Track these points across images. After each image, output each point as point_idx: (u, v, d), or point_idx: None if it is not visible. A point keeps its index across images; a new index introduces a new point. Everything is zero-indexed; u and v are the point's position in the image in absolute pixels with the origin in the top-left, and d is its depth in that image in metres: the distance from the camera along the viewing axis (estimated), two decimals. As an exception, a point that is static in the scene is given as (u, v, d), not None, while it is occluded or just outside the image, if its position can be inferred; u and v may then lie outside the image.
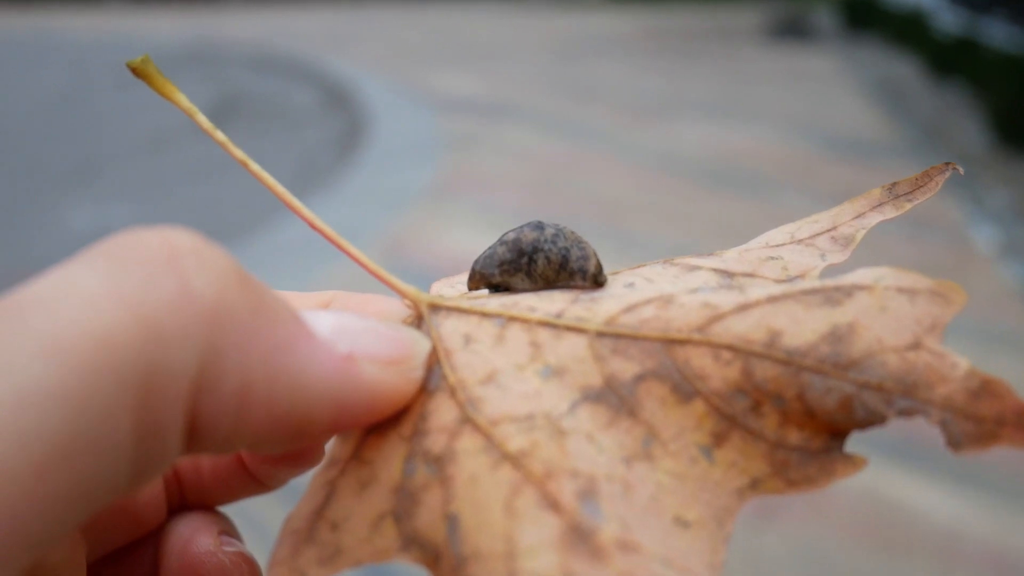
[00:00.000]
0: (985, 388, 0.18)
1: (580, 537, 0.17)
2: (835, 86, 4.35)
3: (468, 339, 0.21)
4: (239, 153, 0.22)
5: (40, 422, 0.14)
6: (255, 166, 0.22)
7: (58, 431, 0.14)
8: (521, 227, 0.23)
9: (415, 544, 0.18)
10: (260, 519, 1.28)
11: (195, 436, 0.16)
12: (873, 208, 0.24)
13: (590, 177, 2.95)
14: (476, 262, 0.23)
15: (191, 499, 0.25)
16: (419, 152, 3.25)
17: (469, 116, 3.70)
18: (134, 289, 0.15)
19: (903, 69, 4.85)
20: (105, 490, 0.15)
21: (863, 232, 0.24)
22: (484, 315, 0.21)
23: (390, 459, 0.19)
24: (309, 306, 0.22)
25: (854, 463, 0.19)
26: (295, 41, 5.40)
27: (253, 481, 0.25)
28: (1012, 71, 3.40)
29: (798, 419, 0.19)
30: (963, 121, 3.76)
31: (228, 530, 0.24)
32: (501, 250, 0.23)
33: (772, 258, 0.23)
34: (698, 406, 0.19)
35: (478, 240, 2.40)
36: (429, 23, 6.21)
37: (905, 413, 0.18)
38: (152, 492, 0.24)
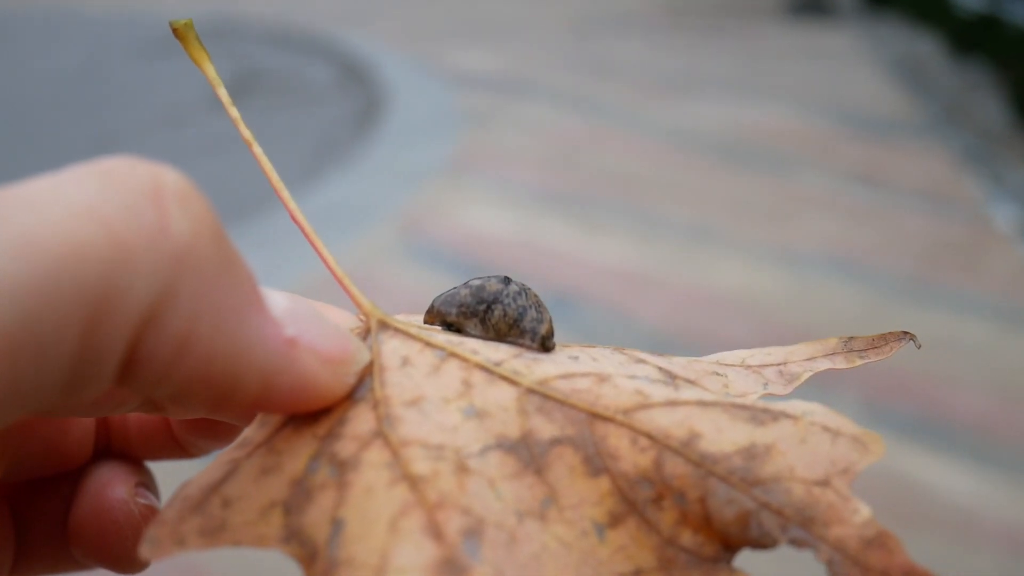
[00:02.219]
0: (878, 539, 0.18)
1: (452, 570, 0.17)
2: (855, 63, 4.32)
3: (405, 361, 0.22)
4: (247, 132, 0.23)
5: None
6: (258, 148, 0.23)
7: (11, 323, 0.14)
8: (489, 277, 0.24)
9: (297, 539, 0.18)
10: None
11: (129, 367, 0.17)
12: (825, 355, 0.25)
13: (607, 153, 2.94)
14: (436, 299, 0.24)
15: (116, 449, 0.25)
16: (436, 128, 3.25)
17: (486, 92, 3.69)
18: (115, 211, 0.16)
19: (923, 46, 4.81)
20: (35, 396, 0.15)
21: (809, 374, 0.24)
22: (428, 344, 0.22)
23: (298, 453, 0.20)
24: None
25: None
26: (312, 17, 5.39)
27: (176, 445, 0.25)
28: (1034, 48, 3.37)
29: (695, 522, 0.19)
30: (984, 99, 3.73)
31: (146, 483, 0.25)
32: (464, 293, 0.24)
33: (717, 374, 0.23)
34: (604, 483, 0.19)
35: (495, 216, 2.40)
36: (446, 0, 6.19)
37: (796, 543, 0.19)
38: (81, 432, 0.25)
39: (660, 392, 0.21)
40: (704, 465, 0.19)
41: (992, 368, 1.70)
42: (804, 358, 0.25)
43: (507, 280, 0.24)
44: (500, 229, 2.32)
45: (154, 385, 0.17)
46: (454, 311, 0.24)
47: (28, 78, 4.47)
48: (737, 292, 1.99)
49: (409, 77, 4.00)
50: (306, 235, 0.23)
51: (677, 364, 0.24)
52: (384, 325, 0.23)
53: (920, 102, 3.65)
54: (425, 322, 0.24)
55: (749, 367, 0.24)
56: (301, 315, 0.19)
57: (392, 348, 0.22)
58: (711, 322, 1.86)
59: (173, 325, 0.17)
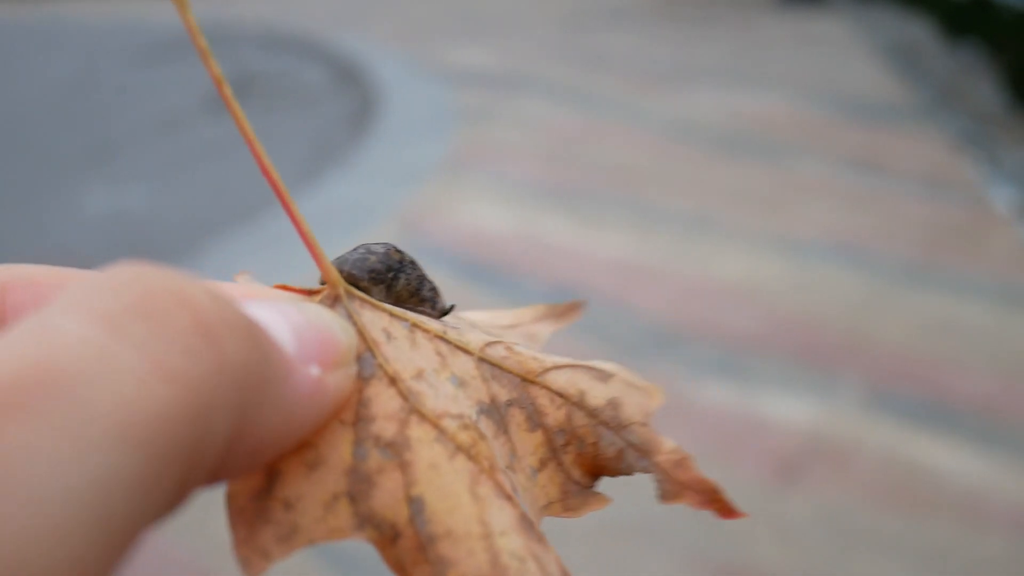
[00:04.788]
0: (681, 461, 0.23)
1: (528, 525, 0.20)
2: (848, 50, 4.31)
3: (388, 335, 0.22)
4: (239, 112, 0.23)
5: (116, 509, 0.14)
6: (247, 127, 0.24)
7: (130, 516, 0.14)
8: (383, 243, 0.24)
9: (370, 524, 0.19)
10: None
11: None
12: (537, 320, 0.28)
13: (604, 146, 2.94)
14: (343, 262, 0.23)
15: None
16: (432, 126, 3.25)
17: (481, 89, 3.69)
18: (178, 363, 0.15)
19: (916, 31, 4.81)
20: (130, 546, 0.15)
21: (548, 336, 0.28)
22: (392, 315, 0.23)
23: (335, 443, 0.20)
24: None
25: (603, 499, 0.23)
26: (305, 20, 5.38)
27: None
28: (1028, 29, 3.37)
29: (585, 460, 0.23)
30: (979, 82, 3.73)
31: None
32: (372, 259, 0.24)
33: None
34: (538, 436, 0.23)
35: (494, 212, 2.40)
36: (437, -3, 6.18)
37: (644, 470, 0.23)
38: None
39: (542, 357, 0.24)
40: (595, 416, 0.23)
41: (995, 350, 1.70)
42: (530, 320, 0.28)
43: (399, 249, 0.24)
44: (499, 225, 2.32)
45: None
46: (366, 276, 0.23)
47: (25, 87, 4.47)
48: (738, 281, 2.00)
49: (404, 76, 4.00)
50: (276, 189, 0.22)
51: (495, 329, 0.26)
52: (350, 295, 0.22)
53: (915, 86, 3.65)
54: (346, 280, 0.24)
55: (512, 327, 0.27)
56: (303, 335, 0.19)
57: (369, 320, 0.22)
58: (713, 312, 1.86)
59: (247, 439, 0.17)
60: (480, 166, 2.79)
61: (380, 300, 0.23)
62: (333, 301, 0.22)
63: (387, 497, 0.19)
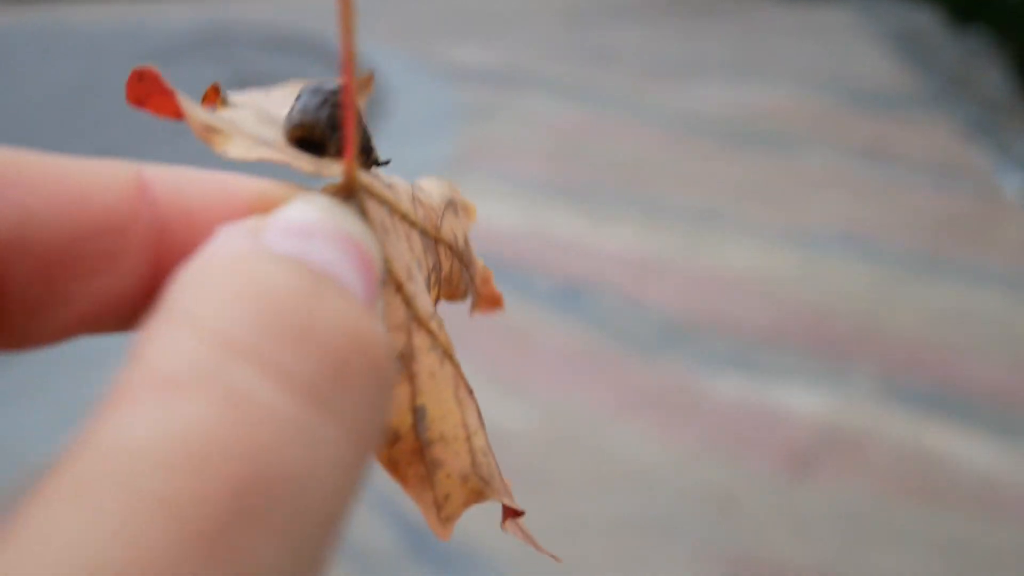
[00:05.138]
0: (487, 276, 0.25)
1: (480, 414, 0.22)
2: (855, 39, 4.29)
3: (385, 228, 0.20)
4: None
5: None
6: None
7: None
8: (325, 79, 0.21)
9: None
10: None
11: None
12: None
13: (610, 142, 2.93)
14: (306, 113, 0.20)
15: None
16: (437, 124, 3.24)
17: (485, 86, 3.68)
18: (371, 432, 0.14)
19: (922, 19, 4.79)
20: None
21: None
22: (381, 201, 0.20)
23: None
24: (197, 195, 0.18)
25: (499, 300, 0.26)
26: (306, 20, 5.39)
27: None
28: (1035, 15, 3.35)
29: (447, 288, 0.24)
30: (986, 69, 3.71)
31: None
32: (325, 117, 0.20)
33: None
34: (435, 289, 0.23)
35: (501, 210, 2.39)
36: (440, -4, 6.19)
37: (466, 291, 0.25)
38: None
39: (422, 197, 0.24)
40: (463, 259, 0.24)
41: (1008, 338, 1.69)
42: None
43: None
44: (506, 222, 2.32)
45: None
46: (332, 134, 0.20)
47: (29, 92, 4.48)
48: (748, 274, 1.98)
49: (407, 75, 3.99)
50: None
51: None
52: (367, 191, 0.20)
53: (922, 75, 3.63)
54: (292, 137, 0.20)
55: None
56: (367, 276, 0.16)
57: (376, 217, 0.20)
58: (723, 305, 1.85)
59: None
60: (486, 164, 2.78)
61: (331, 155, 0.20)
62: (346, 195, 0.19)
63: (395, 407, 0.20)
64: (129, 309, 0.16)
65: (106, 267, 0.16)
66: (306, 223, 0.15)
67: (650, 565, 1.19)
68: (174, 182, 0.17)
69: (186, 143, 3.49)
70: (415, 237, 0.21)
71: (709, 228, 2.24)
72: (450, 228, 0.24)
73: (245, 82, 4.27)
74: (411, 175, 2.72)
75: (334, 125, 0.19)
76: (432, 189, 0.24)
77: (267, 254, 0.14)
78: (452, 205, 0.24)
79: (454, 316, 1.83)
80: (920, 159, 2.65)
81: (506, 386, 1.59)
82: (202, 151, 3.33)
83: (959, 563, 1.18)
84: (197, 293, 0.13)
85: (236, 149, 0.17)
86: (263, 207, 0.17)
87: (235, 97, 0.22)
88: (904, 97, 3.30)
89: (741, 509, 1.28)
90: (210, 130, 0.17)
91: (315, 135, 0.19)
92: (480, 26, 4.97)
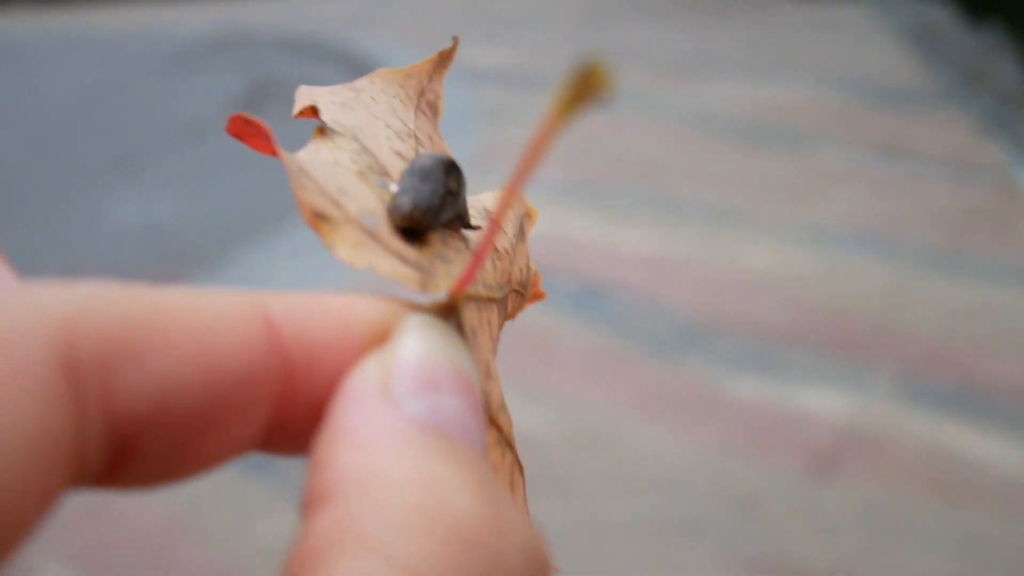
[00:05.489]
0: (535, 280, 0.25)
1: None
2: (868, 35, 4.29)
3: (474, 331, 0.19)
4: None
5: None
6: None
7: None
8: (431, 157, 0.20)
9: None
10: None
11: None
12: (431, 75, 0.26)
13: (627, 141, 2.94)
14: (404, 204, 0.19)
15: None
16: (455, 126, 3.26)
17: (501, 88, 3.70)
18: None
19: (936, 14, 4.77)
20: None
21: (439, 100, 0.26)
22: (478, 299, 0.20)
23: None
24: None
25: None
26: (322, 24, 5.41)
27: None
28: (1050, 8, 3.34)
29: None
30: (1001, 63, 3.70)
31: None
32: (430, 192, 0.20)
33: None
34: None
35: (519, 211, 2.40)
36: (454, -4, 6.19)
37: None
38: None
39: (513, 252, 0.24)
40: (525, 285, 0.24)
41: (1028, 335, 1.70)
42: (427, 75, 0.26)
43: (452, 162, 0.21)
44: (525, 224, 2.33)
45: None
46: (434, 222, 0.20)
47: (50, 96, 4.51)
48: (766, 273, 1.99)
49: (423, 76, 4.00)
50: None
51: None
52: (467, 296, 0.19)
53: (936, 69, 3.63)
54: (398, 226, 0.20)
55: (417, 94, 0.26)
56: (480, 418, 0.17)
57: (469, 322, 0.19)
58: (741, 305, 1.86)
59: None
60: (504, 165, 2.79)
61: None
62: (449, 309, 0.19)
63: None
64: (248, 447, 0.17)
65: (236, 420, 0.16)
66: (428, 370, 0.16)
67: (672, 567, 1.21)
68: (297, 318, 0.17)
69: (206, 146, 3.51)
70: (494, 312, 0.21)
71: (727, 227, 2.25)
72: (519, 267, 0.23)
73: (262, 86, 4.30)
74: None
75: (442, 214, 0.20)
76: (507, 217, 0.23)
77: (420, 442, 0.15)
78: (522, 226, 0.24)
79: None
80: (936, 154, 2.65)
81: (525, 388, 1.61)
82: (228, 154, 3.36)
83: (982, 562, 1.19)
84: (377, 515, 0.14)
85: (344, 248, 0.18)
86: (379, 336, 0.17)
87: (329, 116, 0.21)
88: (919, 92, 3.30)
89: (763, 510, 1.30)
90: (319, 217, 0.18)
91: (423, 226, 0.19)
92: (496, 27, 4.98)
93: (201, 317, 0.16)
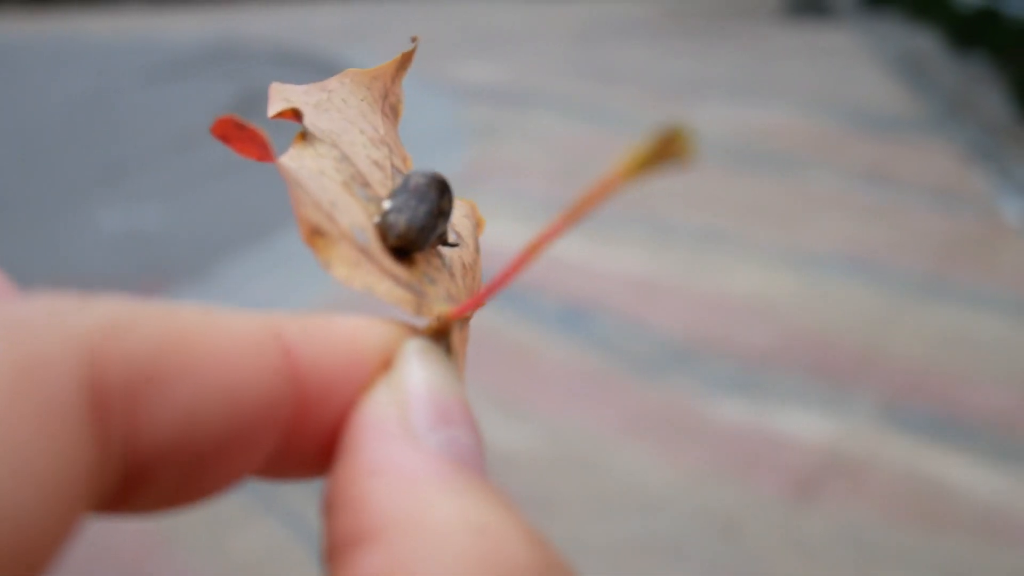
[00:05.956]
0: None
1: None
2: (857, 62, 4.32)
3: (456, 352, 0.19)
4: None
5: None
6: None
7: None
8: (424, 175, 0.20)
9: None
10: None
11: None
12: (395, 77, 0.25)
13: (614, 160, 2.95)
14: (398, 223, 0.19)
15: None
16: (444, 142, 3.27)
17: (492, 104, 3.71)
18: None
19: (924, 42, 4.82)
20: None
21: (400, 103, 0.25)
22: (465, 320, 0.20)
23: None
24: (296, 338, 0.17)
25: None
26: (314, 37, 5.41)
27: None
28: (1036, 41, 3.38)
29: None
30: (987, 93, 3.73)
31: None
32: (424, 213, 0.19)
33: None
34: None
35: (506, 228, 2.41)
36: (446, 13, 6.21)
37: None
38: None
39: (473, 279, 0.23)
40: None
41: (1008, 363, 1.71)
42: (390, 77, 0.25)
43: (442, 180, 0.21)
44: (512, 241, 2.34)
45: None
46: (429, 240, 0.19)
47: (38, 104, 4.50)
48: (752, 296, 2.00)
49: (414, 91, 4.02)
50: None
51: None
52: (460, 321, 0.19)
53: (923, 98, 3.66)
54: (392, 246, 0.19)
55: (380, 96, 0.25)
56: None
57: (456, 342, 0.19)
58: (727, 328, 1.87)
59: None
60: (493, 182, 2.80)
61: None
62: (443, 332, 0.19)
63: None
64: (252, 473, 0.17)
65: (249, 448, 0.16)
66: (441, 403, 0.17)
67: (654, 587, 1.21)
68: (311, 344, 0.17)
69: (194, 156, 3.51)
70: (466, 329, 0.20)
71: (713, 250, 2.26)
72: (479, 280, 0.22)
73: (250, 98, 4.30)
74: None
75: (432, 234, 0.19)
76: (464, 228, 0.23)
77: (458, 482, 0.15)
78: (478, 237, 0.23)
79: (461, 336, 1.84)
80: (921, 182, 2.67)
81: (509, 407, 1.61)
82: (215, 164, 3.35)
83: (959, 588, 1.19)
84: (434, 561, 0.14)
85: (340, 267, 0.17)
86: (385, 361, 0.17)
87: (311, 122, 0.21)
88: (906, 120, 3.33)
89: (745, 533, 1.30)
90: (316, 233, 0.17)
91: (415, 247, 0.19)
92: (488, 44, 4.99)
93: (223, 344, 0.16)
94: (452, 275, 0.20)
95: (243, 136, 0.20)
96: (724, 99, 3.67)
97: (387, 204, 0.19)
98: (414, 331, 0.18)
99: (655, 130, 0.16)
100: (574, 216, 0.16)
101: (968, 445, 1.47)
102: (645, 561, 1.25)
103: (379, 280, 0.18)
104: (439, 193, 0.19)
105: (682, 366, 1.73)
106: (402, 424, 0.16)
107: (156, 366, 0.15)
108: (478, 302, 0.18)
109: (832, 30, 5.06)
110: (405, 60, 0.25)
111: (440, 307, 0.19)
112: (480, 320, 1.93)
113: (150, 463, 0.15)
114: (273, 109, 0.21)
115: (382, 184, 0.21)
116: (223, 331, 0.16)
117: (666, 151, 0.16)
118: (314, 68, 4.75)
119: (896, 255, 2.19)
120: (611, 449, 1.49)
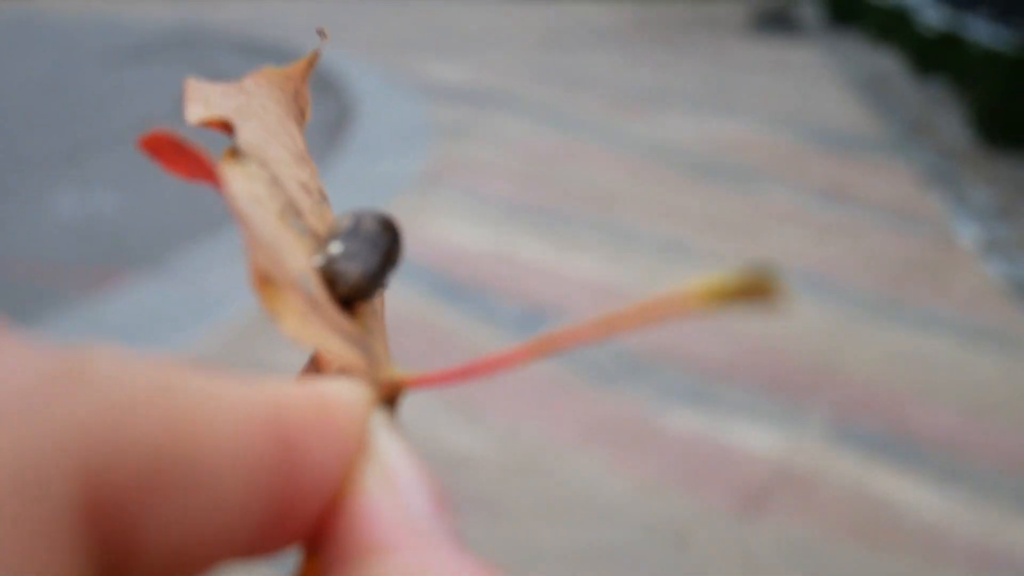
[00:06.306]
0: None
1: None
2: (820, 79, 4.37)
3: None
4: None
5: None
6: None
7: None
8: (373, 217, 0.18)
9: None
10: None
11: None
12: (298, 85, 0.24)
13: (579, 167, 2.96)
14: (350, 271, 0.18)
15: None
16: (408, 140, 3.26)
17: (458, 104, 3.70)
18: None
19: (887, 64, 4.88)
20: None
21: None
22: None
23: None
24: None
25: None
26: (282, 29, 5.37)
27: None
28: (995, 68, 3.44)
29: None
30: (947, 116, 3.79)
31: None
32: (377, 259, 0.18)
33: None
34: None
35: (468, 230, 2.41)
36: (415, 11, 6.19)
37: None
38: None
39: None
40: None
41: (958, 385, 1.73)
42: (295, 84, 0.23)
43: (390, 222, 0.19)
44: (473, 243, 2.33)
45: None
46: (377, 287, 0.18)
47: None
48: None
49: (379, 89, 4.00)
50: None
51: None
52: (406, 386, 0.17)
53: (884, 118, 3.71)
54: (341, 296, 0.18)
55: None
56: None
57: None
58: (682, 339, 1.88)
59: None
60: (455, 182, 2.79)
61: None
62: (393, 401, 0.17)
63: None
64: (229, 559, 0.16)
65: (233, 543, 0.15)
66: (431, 491, 0.16)
67: (601, 595, 1.21)
68: (306, 431, 0.15)
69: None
70: None
71: (672, 259, 2.27)
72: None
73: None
74: (380, 191, 2.72)
75: (381, 282, 0.18)
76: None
77: None
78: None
79: (412, 338, 1.84)
80: (879, 202, 2.71)
81: (462, 411, 1.60)
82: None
83: (900, 606, 1.21)
84: None
85: (290, 321, 0.15)
86: (360, 438, 0.16)
87: (243, 140, 0.19)
88: (866, 140, 3.37)
89: (694, 543, 1.30)
90: (265, 281, 0.15)
91: (364, 297, 0.18)
92: (456, 45, 4.99)
93: (225, 445, 0.14)
94: (382, 320, 0.19)
95: (180, 158, 0.17)
96: (688, 110, 3.70)
97: (335, 248, 0.18)
98: (372, 397, 0.16)
99: (742, 267, 0.14)
100: (607, 328, 0.15)
101: (913, 464, 1.49)
102: (594, 567, 1.25)
103: (329, 337, 0.16)
104: (391, 240, 0.18)
105: (637, 375, 1.73)
106: (407, 517, 0.15)
107: (153, 477, 0.14)
108: (446, 378, 0.16)
109: (798, 47, 5.12)
110: (315, 58, 0.23)
111: (394, 373, 0.17)
112: (437, 321, 1.92)
113: (137, 571, 0.14)
114: (193, 114, 0.19)
115: (312, 212, 0.19)
116: (224, 422, 0.14)
117: (748, 292, 0.14)
118: (278, 59, 4.72)
119: (851, 273, 2.22)
120: (564, 456, 1.49)
